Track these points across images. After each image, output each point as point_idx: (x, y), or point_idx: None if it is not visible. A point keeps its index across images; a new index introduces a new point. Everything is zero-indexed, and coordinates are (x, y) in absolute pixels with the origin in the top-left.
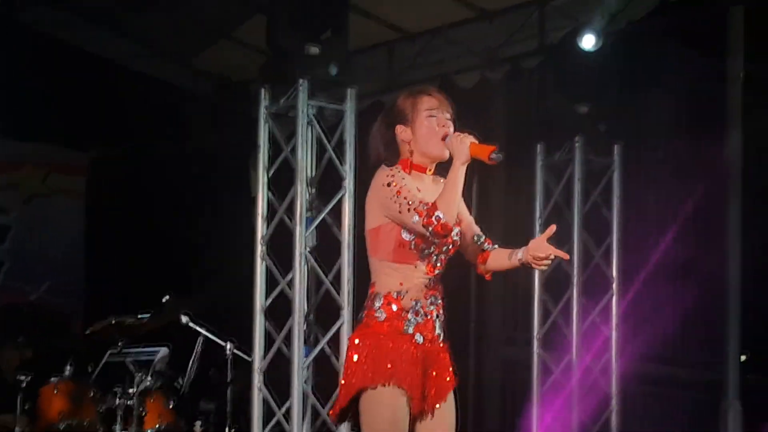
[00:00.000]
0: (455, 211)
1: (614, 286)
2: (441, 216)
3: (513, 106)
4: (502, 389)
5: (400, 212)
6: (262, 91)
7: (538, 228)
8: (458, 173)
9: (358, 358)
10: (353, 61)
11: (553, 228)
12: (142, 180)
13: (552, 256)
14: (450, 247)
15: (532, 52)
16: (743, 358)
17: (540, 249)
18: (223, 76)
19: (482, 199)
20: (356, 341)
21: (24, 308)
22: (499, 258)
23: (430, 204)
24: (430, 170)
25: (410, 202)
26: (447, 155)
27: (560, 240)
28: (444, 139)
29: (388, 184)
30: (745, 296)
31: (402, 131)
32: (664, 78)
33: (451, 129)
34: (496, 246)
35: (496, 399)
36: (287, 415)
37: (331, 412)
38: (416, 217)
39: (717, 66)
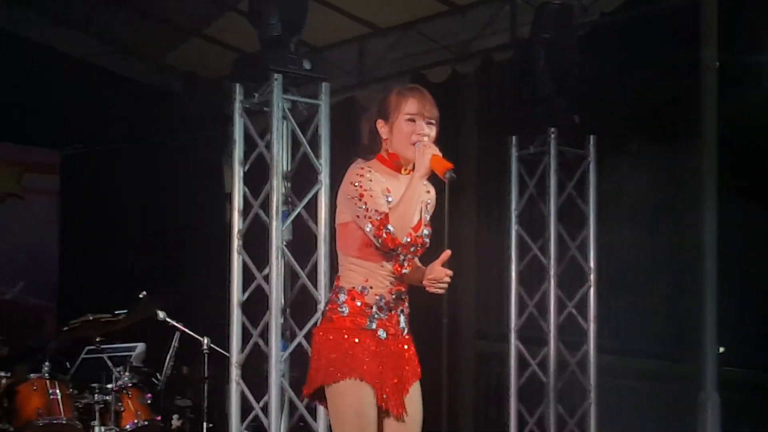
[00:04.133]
0: (409, 223)
1: (591, 278)
2: (391, 229)
3: (485, 100)
4: (476, 384)
5: (357, 216)
6: (237, 86)
7: (513, 221)
8: (415, 186)
9: (320, 353)
10: (324, 55)
11: (447, 253)
12: (115, 178)
13: (446, 278)
14: (418, 247)
15: (504, 46)
16: (721, 350)
17: (432, 271)
18: (194, 73)
19: (456, 193)
20: (320, 334)
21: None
22: (416, 271)
23: (383, 215)
24: (405, 170)
25: (367, 209)
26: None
27: (536, 232)
28: (414, 144)
29: (355, 184)
30: (721, 288)
31: (381, 126)
32: (638, 69)
33: (429, 137)
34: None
35: (470, 394)
36: (265, 409)
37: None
38: (369, 226)
39: (691, 56)
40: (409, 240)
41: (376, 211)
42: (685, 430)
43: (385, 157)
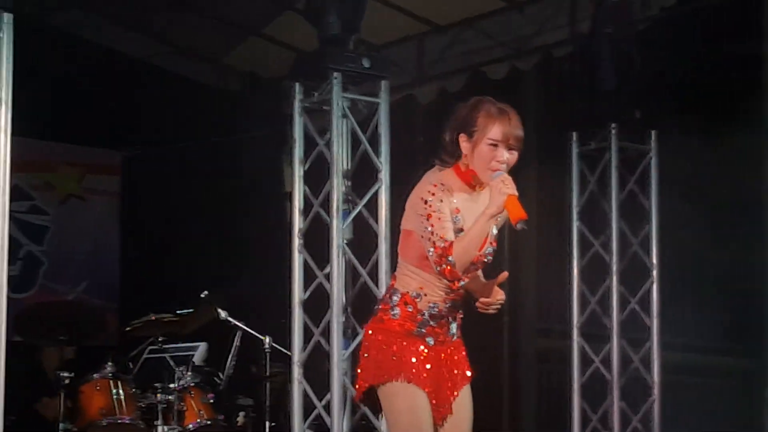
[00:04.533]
0: (470, 258)
1: (654, 274)
2: (452, 261)
3: (545, 96)
4: (538, 381)
5: (422, 236)
6: (296, 85)
7: (575, 217)
8: (484, 224)
9: (368, 354)
10: (383, 53)
11: (505, 275)
12: (176, 178)
13: (498, 303)
14: (478, 265)
15: (564, 41)
16: None
17: (487, 294)
18: (253, 73)
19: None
20: (369, 333)
21: (63, 307)
22: (474, 283)
23: (447, 244)
24: (480, 187)
25: (432, 233)
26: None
27: (597, 229)
28: (494, 171)
29: (425, 201)
30: None
31: (464, 141)
32: (700, 62)
33: (507, 163)
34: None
35: (532, 391)
36: (327, 407)
37: (354, 398)
38: (431, 250)
39: (754, 49)
40: (469, 266)
41: (441, 237)
42: (750, 427)
43: (462, 170)
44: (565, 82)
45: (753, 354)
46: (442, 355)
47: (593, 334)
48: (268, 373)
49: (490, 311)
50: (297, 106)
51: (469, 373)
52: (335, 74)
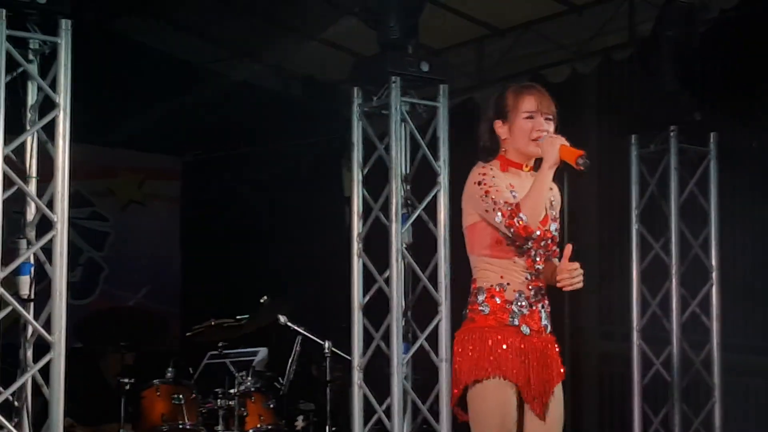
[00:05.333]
0: (540, 213)
1: (714, 275)
2: (523, 218)
3: (605, 99)
4: (600, 384)
5: (486, 211)
6: (355, 89)
7: (635, 220)
8: (545, 176)
9: (463, 353)
10: (443, 57)
11: (569, 247)
12: (235, 183)
13: (575, 271)
14: (548, 242)
15: (623, 44)
16: None
17: (562, 271)
18: (313, 77)
19: (574, 194)
20: (462, 336)
21: (124, 313)
22: (547, 270)
23: (514, 205)
24: (527, 167)
25: (495, 202)
26: (540, 153)
27: (658, 231)
28: (536, 140)
29: (479, 183)
30: None
31: (500, 127)
32: (759, 65)
33: (549, 132)
34: (556, 259)
35: (594, 394)
36: (387, 411)
37: (453, 408)
38: (499, 216)
39: None
40: (539, 233)
41: (506, 202)
42: None
43: (506, 156)
44: (625, 84)
45: None
46: (539, 345)
47: (654, 337)
48: (329, 378)
49: (576, 283)
50: (356, 110)
51: (562, 371)
52: (394, 78)
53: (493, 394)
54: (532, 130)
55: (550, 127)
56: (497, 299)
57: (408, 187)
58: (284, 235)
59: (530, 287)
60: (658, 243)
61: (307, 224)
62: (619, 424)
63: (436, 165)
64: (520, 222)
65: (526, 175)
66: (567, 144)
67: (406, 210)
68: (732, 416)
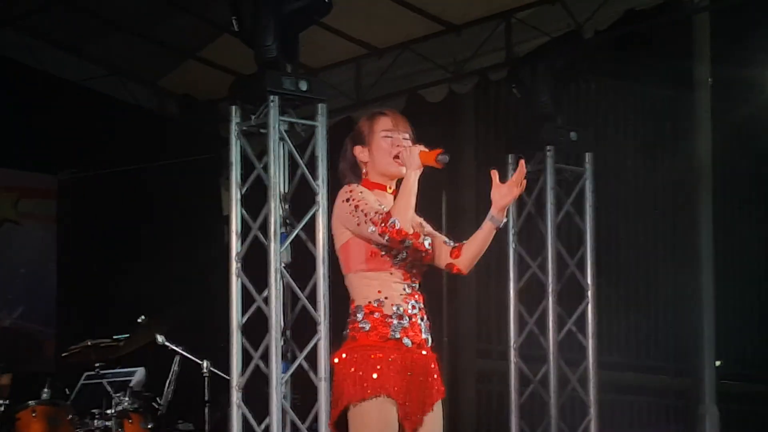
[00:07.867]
0: (410, 214)
1: (589, 294)
2: (396, 222)
3: (482, 119)
4: (478, 402)
5: (358, 225)
6: (233, 108)
7: (512, 239)
8: (410, 178)
9: (345, 374)
10: (321, 77)
11: (494, 173)
12: (112, 202)
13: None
14: (423, 254)
15: (500, 65)
16: (718, 363)
17: (500, 191)
18: (190, 96)
19: (453, 213)
20: (343, 355)
21: None
22: (472, 240)
23: (384, 213)
24: (390, 188)
25: (366, 214)
26: (403, 172)
27: (535, 250)
28: (397, 157)
29: (347, 200)
30: (717, 302)
31: (360, 152)
32: (633, 86)
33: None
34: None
35: (471, 412)
36: (266, 431)
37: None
38: (372, 227)
39: (684, 72)
40: (412, 242)
41: (376, 212)
42: None
43: (369, 179)
44: (502, 104)
45: (687, 372)
46: (420, 360)
47: (531, 355)
48: (207, 398)
49: (514, 196)
50: (234, 129)
51: (443, 389)
52: (272, 97)
53: (375, 414)
54: (392, 146)
55: (406, 146)
56: (376, 314)
57: (287, 206)
58: (162, 255)
59: (407, 301)
60: (535, 262)
61: (186, 243)
62: None
63: (314, 184)
64: (393, 227)
65: (390, 197)
66: (426, 149)
67: (285, 229)
68: None
